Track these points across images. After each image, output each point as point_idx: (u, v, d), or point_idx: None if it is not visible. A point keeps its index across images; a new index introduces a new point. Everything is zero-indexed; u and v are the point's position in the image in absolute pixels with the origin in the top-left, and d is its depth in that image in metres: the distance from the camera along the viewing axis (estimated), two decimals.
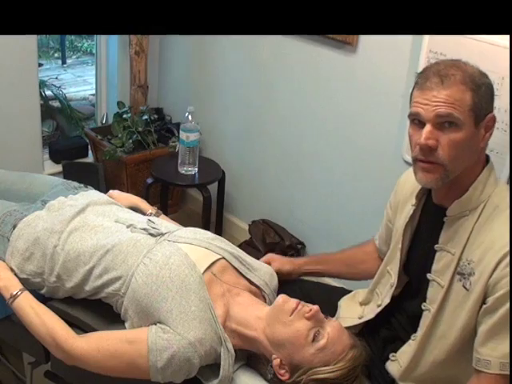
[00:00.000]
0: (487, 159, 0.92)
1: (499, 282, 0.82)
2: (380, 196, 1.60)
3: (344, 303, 1.12)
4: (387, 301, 1.01)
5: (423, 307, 0.93)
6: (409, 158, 1.48)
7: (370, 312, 1.04)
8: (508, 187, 0.91)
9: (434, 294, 0.92)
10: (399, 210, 1.03)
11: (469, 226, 0.87)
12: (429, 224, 0.96)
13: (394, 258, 1.01)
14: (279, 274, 1.12)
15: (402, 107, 1.47)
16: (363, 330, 1.05)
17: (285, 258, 1.20)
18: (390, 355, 0.97)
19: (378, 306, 1.02)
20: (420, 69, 1.38)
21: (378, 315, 1.03)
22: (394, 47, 1.45)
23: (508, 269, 0.81)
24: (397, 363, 0.96)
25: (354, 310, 1.08)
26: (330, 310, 1.07)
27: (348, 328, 0.97)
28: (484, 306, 0.84)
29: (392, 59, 1.47)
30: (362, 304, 1.09)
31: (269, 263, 1.16)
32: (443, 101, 0.83)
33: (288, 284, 1.14)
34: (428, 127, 0.84)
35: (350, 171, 1.69)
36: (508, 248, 0.81)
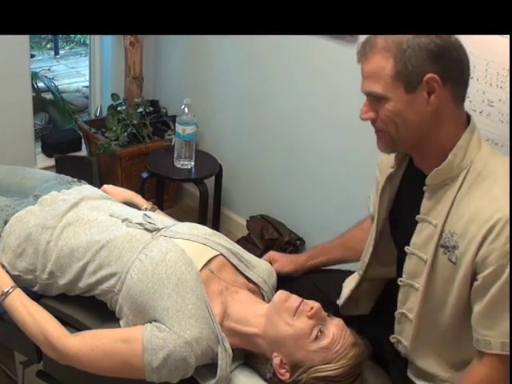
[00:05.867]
0: (469, 121, 0.85)
1: (487, 258, 0.78)
2: None
3: (347, 281, 1.09)
4: (363, 268, 1.00)
5: (400, 282, 0.90)
6: None
7: (352, 281, 1.03)
8: (494, 150, 0.87)
9: (413, 268, 0.88)
10: (382, 171, 0.99)
11: (450, 196, 0.82)
12: (410, 193, 0.91)
13: (376, 227, 0.98)
14: (280, 274, 1.10)
15: None
16: (372, 317, 1.02)
17: (286, 258, 1.18)
18: (391, 337, 0.95)
19: (359, 275, 1.01)
20: None
21: (383, 298, 1.00)
22: None
23: (495, 244, 0.77)
24: (401, 344, 0.94)
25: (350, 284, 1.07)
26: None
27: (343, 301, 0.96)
28: (475, 284, 0.81)
29: None
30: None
31: (270, 263, 1.15)
32: (366, 75, 0.82)
33: (297, 279, 1.13)
34: (365, 101, 0.85)
35: (350, 165, 1.67)
36: (493, 221, 0.77)
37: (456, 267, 0.82)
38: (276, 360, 0.89)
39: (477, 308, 0.82)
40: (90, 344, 0.90)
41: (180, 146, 1.84)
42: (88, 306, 1.00)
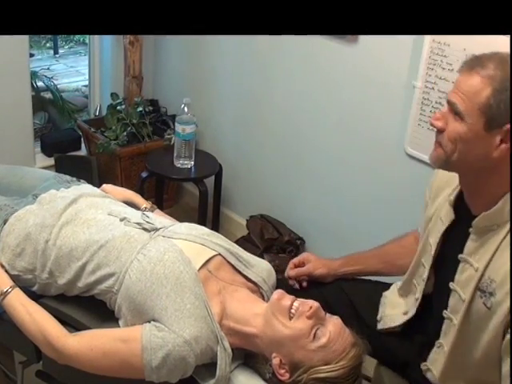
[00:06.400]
0: None
1: None
2: (381, 189, 1.58)
3: (387, 300, 1.08)
4: (420, 295, 0.99)
5: (444, 315, 0.91)
6: (411, 151, 1.47)
7: (412, 307, 1.01)
8: None
9: (454, 304, 0.89)
10: (433, 195, 0.98)
11: (495, 242, 0.82)
12: (456, 230, 0.91)
13: (426, 251, 0.97)
14: (311, 276, 1.10)
15: (405, 98, 1.45)
16: (402, 331, 1.02)
17: (320, 260, 1.17)
18: (422, 365, 0.95)
19: (417, 299, 1.00)
20: (423, 59, 1.37)
21: (413, 318, 1.00)
22: (396, 36, 1.42)
23: None
24: (430, 372, 0.94)
25: (397, 304, 1.05)
26: (371, 310, 1.06)
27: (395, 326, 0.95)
28: (507, 337, 0.81)
29: (394, 49, 1.45)
30: (401, 295, 1.06)
31: (303, 263, 1.15)
32: (459, 88, 0.81)
33: (326, 285, 1.13)
34: (443, 109, 0.84)
35: (351, 164, 1.67)
36: None
37: (490, 313, 0.83)
38: (275, 360, 0.89)
39: (506, 365, 0.81)
40: (89, 344, 0.90)
41: (180, 146, 1.84)
42: (87, 306, 1.00)
